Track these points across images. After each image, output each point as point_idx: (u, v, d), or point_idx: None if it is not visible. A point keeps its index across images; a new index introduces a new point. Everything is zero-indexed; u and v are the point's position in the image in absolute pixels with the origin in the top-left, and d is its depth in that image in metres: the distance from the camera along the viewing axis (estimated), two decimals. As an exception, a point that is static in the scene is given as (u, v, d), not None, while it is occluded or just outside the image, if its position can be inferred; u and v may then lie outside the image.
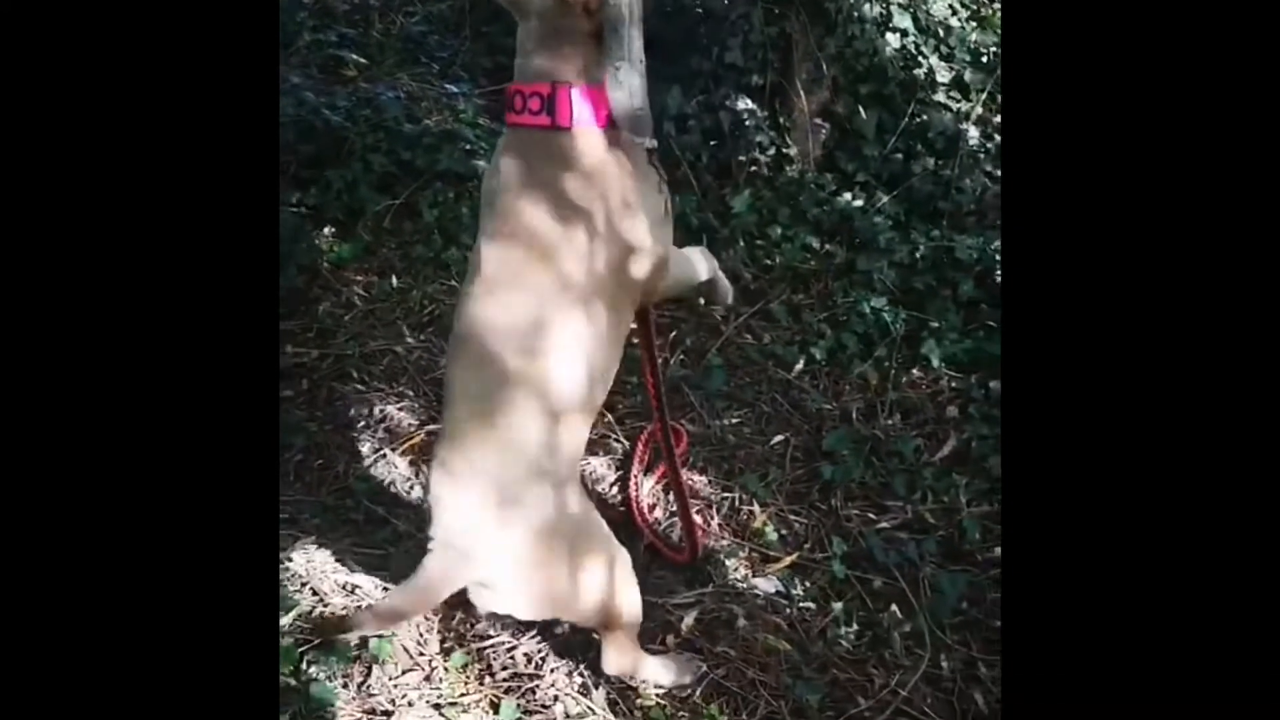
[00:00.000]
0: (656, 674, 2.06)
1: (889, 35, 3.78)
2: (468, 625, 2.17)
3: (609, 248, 1.69)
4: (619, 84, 1.66)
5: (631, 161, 1.72)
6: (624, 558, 1.87)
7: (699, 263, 2.01)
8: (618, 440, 2.76)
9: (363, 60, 4.59)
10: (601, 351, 1.74)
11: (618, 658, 1.98)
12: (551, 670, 2.11)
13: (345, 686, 2.01)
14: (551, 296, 1.67)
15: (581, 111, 1.66)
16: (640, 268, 1.75)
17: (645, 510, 2.50)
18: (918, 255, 3.33)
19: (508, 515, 1.67)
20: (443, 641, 2.14)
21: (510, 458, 1.67)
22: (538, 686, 2.07)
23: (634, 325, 2.05)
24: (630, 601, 1.90)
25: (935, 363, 3.01)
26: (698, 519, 2.43)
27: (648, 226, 1.74)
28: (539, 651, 2.14)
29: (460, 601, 2.16)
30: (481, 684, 2.06)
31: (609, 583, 1.82)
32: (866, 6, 3.67)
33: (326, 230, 3.53)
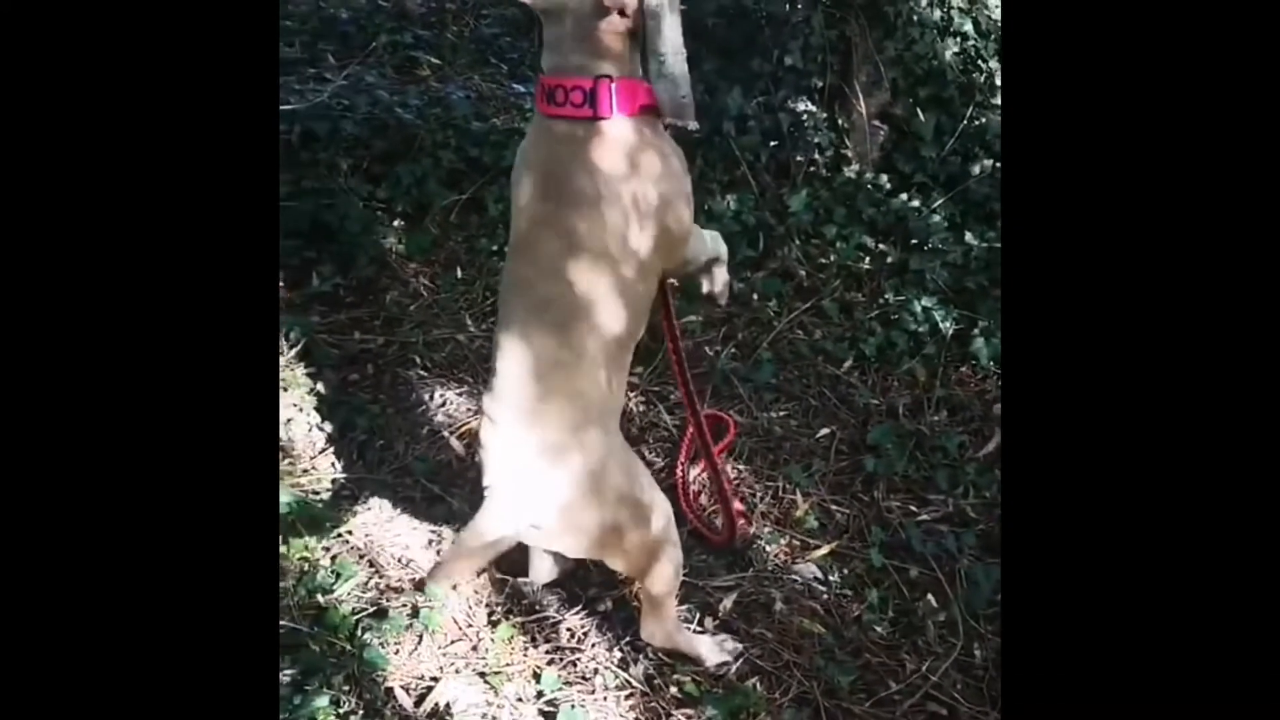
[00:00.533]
0: (694, 647, 2.13)
1: (949, 39, 3.81)
2: (515, 600, 2.27)
3: (637, 216, 1.83)
4: (663, 75, 1.77)
5: (659, 143, 1.87)
6: (665, 508, 1.99)
7: (704, 240, 2.12)
8: (666, 429, 2.84)
9: (436, 61, 4.75)
10: (630, 309, 1.88)
11: (655, 624, 2.08)
12: (593, 645, 2.19)
13: (397, 653, 2.12)
14: (586, 259, 1.82)
15: (619, 102, 1.80)
16: (665, 235, 1.89)
17: (691, 496, 2.58)
18: (971, 255, 3.36)
19: (551, 460, 1.83)
20: (490, 614, 2.24)
21: (549, 407, 1.83)
22: (579, 659, 2.15)
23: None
24: (670, 551, 1.99)
25: (984, 361, 3.05)
26: (739, 505, 2.49)
27: (672, 198, 1.88)
28: (582, 627, 2.23)
29: (508, 574, 2.29)
30: (525, 655, 2.15)
31: (650, 526, 1.94)
32: (927, 10, 3.69)
33: (396, 223, 3.66)
